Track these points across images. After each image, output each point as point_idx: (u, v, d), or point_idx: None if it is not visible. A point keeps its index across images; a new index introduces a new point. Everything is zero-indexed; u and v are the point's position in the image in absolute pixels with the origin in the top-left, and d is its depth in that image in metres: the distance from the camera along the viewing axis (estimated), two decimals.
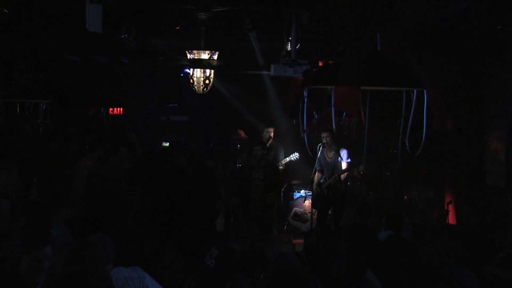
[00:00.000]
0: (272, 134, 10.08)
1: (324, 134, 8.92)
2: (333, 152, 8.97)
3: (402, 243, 6.10)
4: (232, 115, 12.86)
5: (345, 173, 8.76)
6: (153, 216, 7.29)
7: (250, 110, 12.53)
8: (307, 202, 9.89)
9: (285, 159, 9.86)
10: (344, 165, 8.87)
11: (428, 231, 7.58)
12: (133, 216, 7.18)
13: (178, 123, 13.58)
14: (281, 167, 9.94)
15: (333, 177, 8.73)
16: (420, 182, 10.00)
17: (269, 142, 10.05)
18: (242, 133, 10.73)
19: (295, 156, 9.89)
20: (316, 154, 8.89)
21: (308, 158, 9.50)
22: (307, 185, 9.35)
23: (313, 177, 8.88)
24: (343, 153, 8.88)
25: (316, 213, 9.10)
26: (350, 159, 8.95)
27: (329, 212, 9.34)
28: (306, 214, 10.11)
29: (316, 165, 8.95)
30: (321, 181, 9.05)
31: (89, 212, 6.88)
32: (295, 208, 10.39)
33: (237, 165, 10.22)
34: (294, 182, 11.05)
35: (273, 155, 10.01)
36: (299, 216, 10.29)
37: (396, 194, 9.93)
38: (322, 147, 8.93)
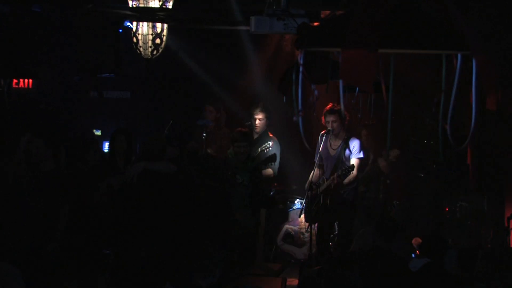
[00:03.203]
0: (263, 120, 10.08)
1: (330, 118, 8.94)
2: (340, 142, 9.00)
3: (443, 275, 6.18)
4: (196, 90, 12.83)
5: (352, 173, 8.78)
6: (83, 238, 7.29)
7: (221, 84, 12.51)
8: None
9: (256, 151, 9.84)
10: (353, 162, 8.91)
11: (480, 259, 7.66)
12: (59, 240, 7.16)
13: (116, 102, 13.50)
14: None
15: (332, 177, 8.77)
16: (468, 187, 10.08)
17: (259, 131, 10.05)
18: (211, 112, 10.66)
19: (266, 146, 9.87)
20: (318, 145, 8.91)
21: (305, 153, 9.53)
22: (304, 192, 9.37)
23: (311, 177, 8.89)
24: (353, 145, 8.92)
25: (315, 230, 9.13)
26: (363, 154, 8.98)
27: (335, 231, 9.39)
28: (303, 234, 10.15)
29: (315, 159, 8.97)
30: (320, 181, 9.08)
31: None
32: (287, 226, 10.42)
33: None
34: (286, 187, 11.08)
35: (262, 151, 10.01)
36: (292, 237, 10.33)
37: (434, 205, 10.00)
38: (326, 136, 8.96)
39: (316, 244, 9.14)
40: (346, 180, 8.87)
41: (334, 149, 9.02)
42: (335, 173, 8.78)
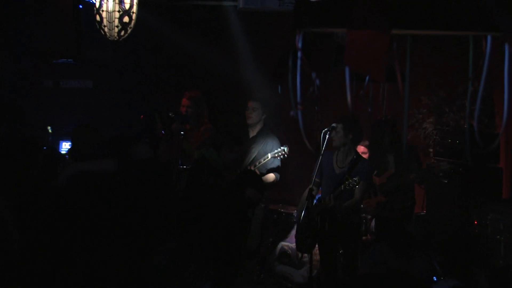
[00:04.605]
0: (257, 110, 10.13)
1: (336, 129, 8.98)
2: (348, 160, 9.04)
3: None
4: (172, 78, 12.84)
5: (355, 194, 8.84)
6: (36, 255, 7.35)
7: (203, 71, 12.54)
8: None
9: (265, 157, 9.92)
10: (357, 189, 8.94)
11: None
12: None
13: (75, 92, 13.50)
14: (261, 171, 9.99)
15: (328, 198, 8.78)
16: (501, 196, 10.12)
17: (251, 122, 10.11)
18: (190, 108, 10.65)
19: (281, 151, 9.95)
20: (320, 146, 8.93)
21: (304, 154, 9.56)
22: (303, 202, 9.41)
23: (306, 194, 8.89)
24: (363, 166, 8.95)
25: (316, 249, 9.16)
26: (367, 177, 9.00)
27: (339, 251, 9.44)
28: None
29: (314, 174, 8.98)
30: (315, 201, 9.11)
31: None
32: (282, 243, 10.45)
33: (180, 166, 10.27)
34: (279, 195, 11.11)
35: (260, 151, 10.06)
36: (289, 257, 10.35)
37: (460, 217, 10.05)
38: (330, 153, 9.02)
39: (321, 266, 9.17)
40: (347, 203, 8.90)
41: (340, 167, 9.07)
42: (330, 195, 8.80)
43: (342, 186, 8.69)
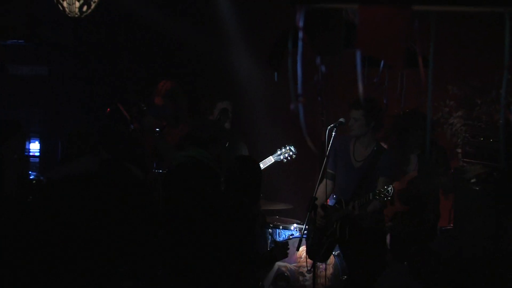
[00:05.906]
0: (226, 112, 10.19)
1: (355, 114, 8.97)
2: (370, 150, 9.06)
3: None
4: (144, 65, 12.86)
5: (384, 199, 8.85)
6: None
7: (183, 56, 12.57)
8: (304, 250, 9.95)
9: (267, 160, 9.95)
10: (383, 182, 8.94)
11: None
12: None
13: (27, 80, 13.50)
14: None
15: (352, 204, 8.80)
16: None
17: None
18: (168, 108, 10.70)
19: (287, 153, 9.97)
20: (326, 144, 8.94)
21: (305, 156, 9.59)
22: (305, 213, 9.43)
23: (317, 191, 8.92)
24: (385, 158, 8.96)
25: (319, 270, 9.17)
26: (390, 172, 9.01)
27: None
28: (303, 275, 10.19)
29: (327, 166, 8.99)
30: (331, 202, 9.13)
31: None
32: (279, 263, 10.44)
33: (155, 170, 10.30)
34: (275, 206, 11.13)
35: (231, 152, 10.10)
36: (287, 280, 10.36)
37: (494, 230, 10.09)
38: (346, 138, 9.03)
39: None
40: (371, 207, 8.92)
41: (359, 160, 9.07)
42: (355, 201, 8.81)
43: (371, 195, 8.70)
